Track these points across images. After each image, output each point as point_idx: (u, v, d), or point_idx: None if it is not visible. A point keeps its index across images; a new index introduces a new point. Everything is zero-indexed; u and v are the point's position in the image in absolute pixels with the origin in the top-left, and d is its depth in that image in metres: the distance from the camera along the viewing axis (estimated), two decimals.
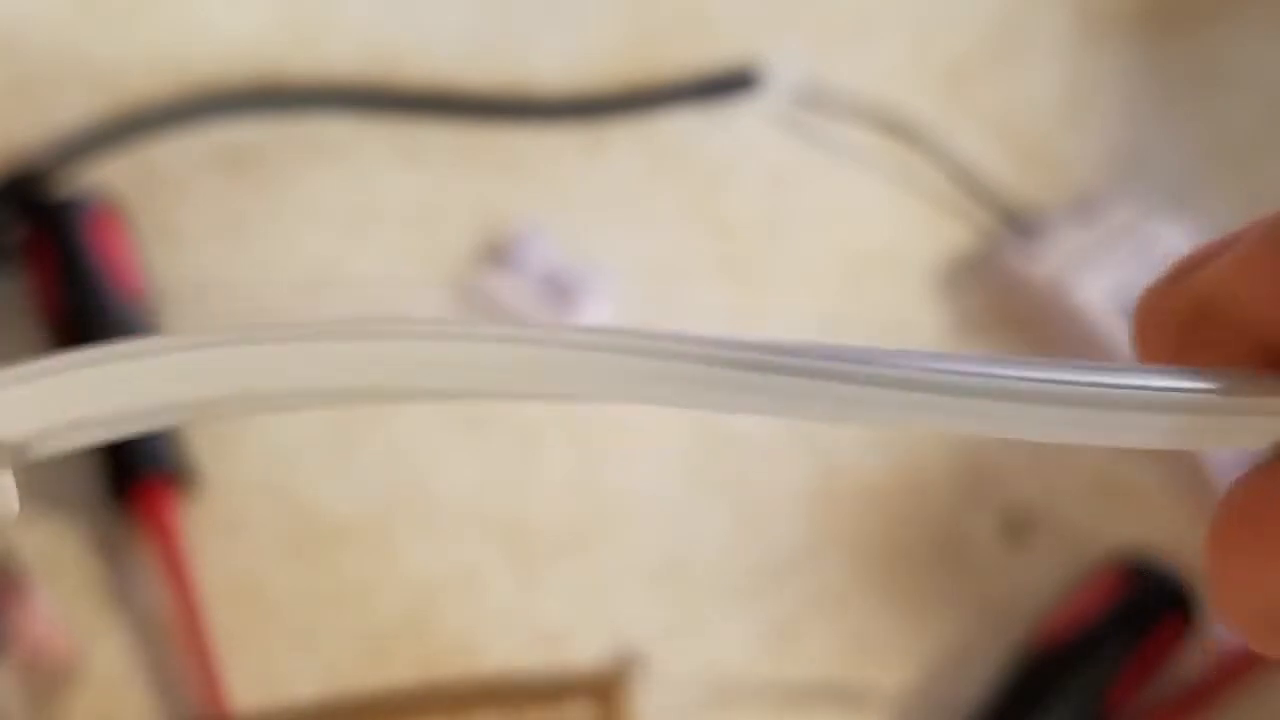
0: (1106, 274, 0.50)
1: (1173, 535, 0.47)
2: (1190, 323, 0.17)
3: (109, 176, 0.51)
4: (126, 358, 0.16)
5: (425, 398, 0.17)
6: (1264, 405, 0.16)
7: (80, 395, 0.16)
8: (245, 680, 0.45)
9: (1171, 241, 0.51)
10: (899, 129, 0.54)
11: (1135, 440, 0.16)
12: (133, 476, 0.46)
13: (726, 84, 0.54)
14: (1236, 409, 0.16)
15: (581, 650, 0.46)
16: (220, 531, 0.47)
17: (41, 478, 0.47)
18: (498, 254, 0.51)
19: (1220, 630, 0.46)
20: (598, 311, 0.50)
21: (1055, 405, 0.16)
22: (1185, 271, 0.17)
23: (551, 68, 0.55)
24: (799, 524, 0.48)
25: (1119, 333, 0.49)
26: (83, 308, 0.48)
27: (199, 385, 0.16)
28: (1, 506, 0.17)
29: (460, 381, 0.16)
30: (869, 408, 0.16)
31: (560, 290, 0.50)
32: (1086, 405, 0.16)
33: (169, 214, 0.52)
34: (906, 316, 0.52)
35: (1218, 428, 0.16)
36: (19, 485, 0.17)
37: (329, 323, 0.16)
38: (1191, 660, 0.46)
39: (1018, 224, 0.52)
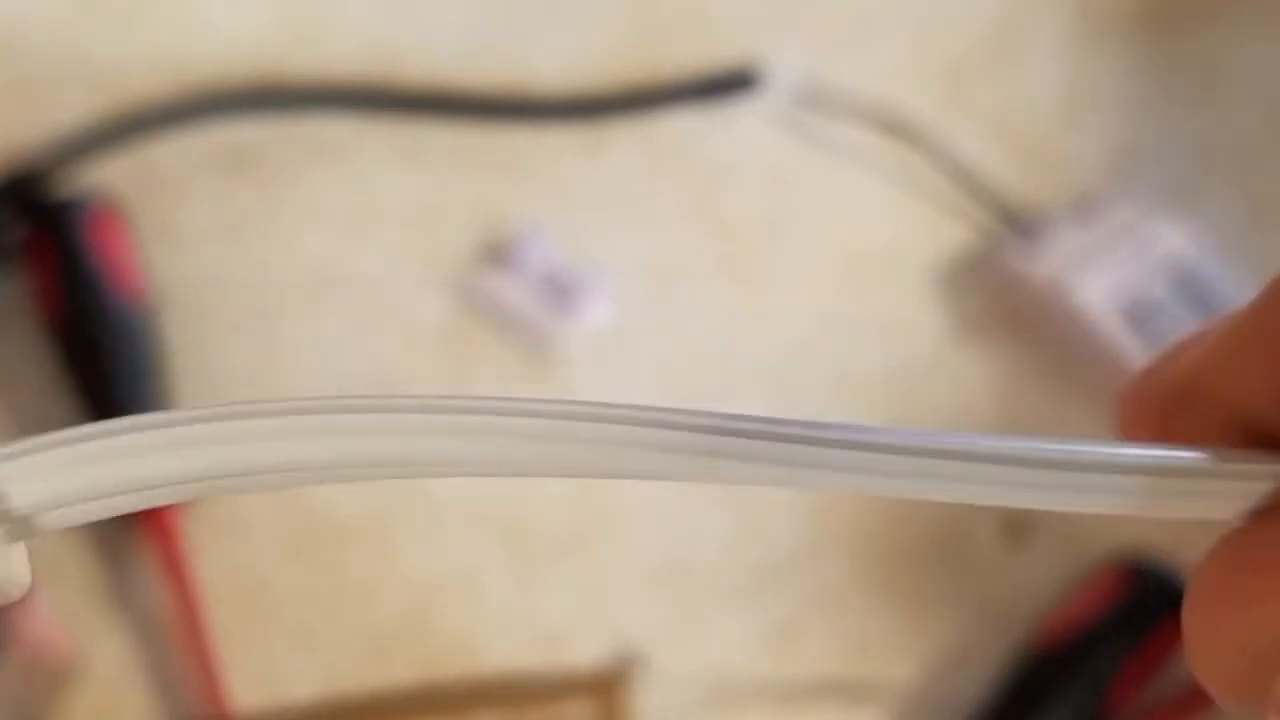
0: (1106, 274, 0.50)
1: (1173, 535, 0.47)
2: (1170, 407, 0.17)
3: (109, 176, 0.51)
4: (133, 430, 0.16)
5: (424, 474, 0.16)
6: (1230, 471, 0.16)
7: (89, 467, 0.16)
8: (245, 680, 0.45)
9: (1171, 241, 0.51)
10: (899, 129, 0.54)
11: (1103, 503, 0.17)
12: None
13: (726, 84, 0.54)
14: (1203, 474, 0.16)
15: (581, 650, 0.46)
16: (220, 531, 0.47)
17: None
18: (498, 254, 0.51)
19: None
20: (598, 311, 0.51)
21: (1035, 467, 0.16)
22: (1166, 360, 0.17)
23: (551, 68, 0.55)
24: (799, 524, 0.48)
25: (1119, 332, 0.49)
26: (83, 308, 0.48)
27: (211, 460, 0.16)
28: (11, 579, 0.17)
29: (467, 459, 0.16)
30: (861, 475, 0.17)
31: (560, 290, 0.50)
32: (1061, 467, 0.17)
33: (169, 214, 0.52)
34: (906, 316, 0.52)
35: (1184, 492, 0.16)
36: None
37: (338, 398, 0.16)
38: None
39: (1018, 224, 0.52)
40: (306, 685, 0.46)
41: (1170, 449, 0.17)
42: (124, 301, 0.49)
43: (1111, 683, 0.45)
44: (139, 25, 0.54)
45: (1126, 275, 0.50)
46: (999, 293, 0.52)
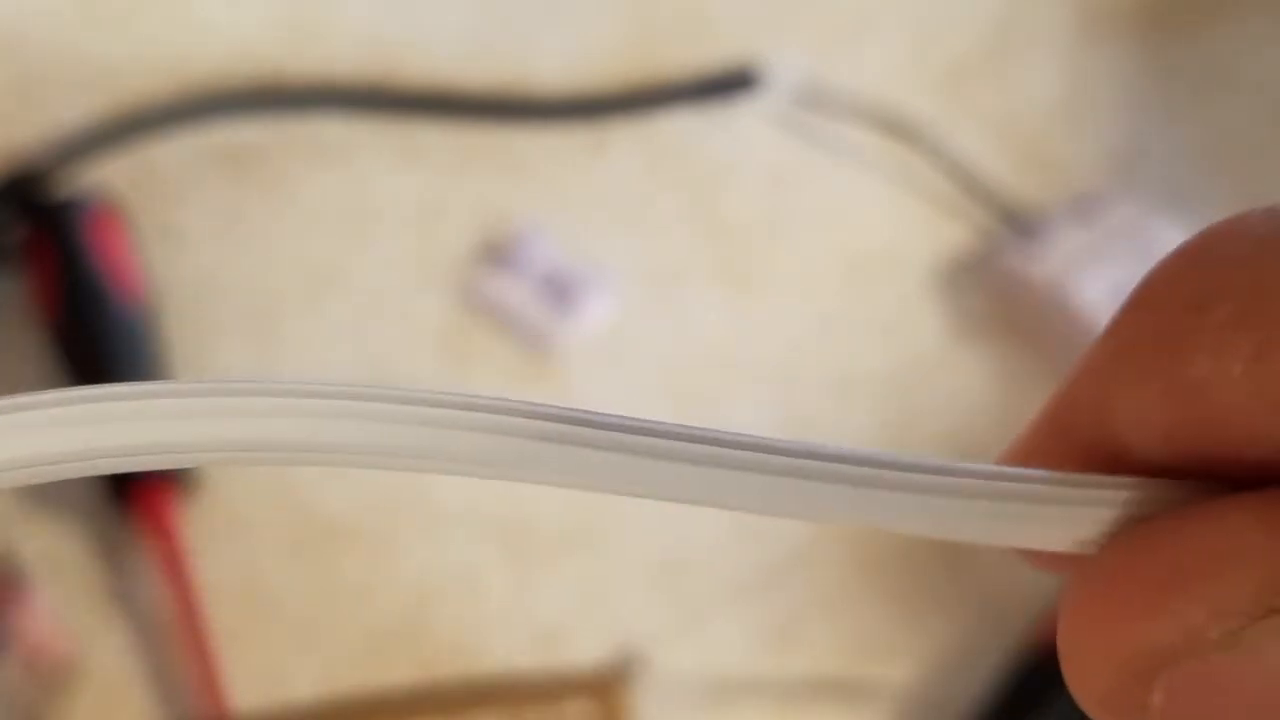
0: (1106, 274, 0.50)
1: None
2: (1050, 440, 0.17)
3: (109, 176, 0.51)
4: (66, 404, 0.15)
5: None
6: (1071, 496, 0.15)
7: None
8: (245, 680, 0.45)
9: (1171, 241, 0.51)
10: (899, 129, 0.54)
11: (940, 529, 0.15)
12: (133, 476, 0.46)
13: (726, 84, 0.54)
14: (1043, 497, 0.15)
15: (581, 650, 0.46)
16: (220, 531, 0.47)
17: None
18: (498, 254, 0.51)
19: None
20: (598, 311, 0.51)
21: (865, 487, 0.15)
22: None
23: (551, 68, 0.55)
24: (798, 523, 0.48)
25: None
26: (83, 308, 0.48)
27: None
28: None
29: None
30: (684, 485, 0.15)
31: (560, 290, 0.50)
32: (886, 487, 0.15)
33: (169, 214, 0.52)
34: (906, 316, 0.52)
35: (1032, 516, 0.15)
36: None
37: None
38: None
39: (1018, 224, 0.52)
40: (306, 685, 0.46)
41: (1007, 469, 0.15)
42: (124, 301, 0.49)
43: None
44: (139, 25, 0.54)
45: (1126, 275, 0.50)
46: (999, 293, 0.52)
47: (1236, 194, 0.54)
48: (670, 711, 0.46)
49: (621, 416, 0.15)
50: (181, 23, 0.55)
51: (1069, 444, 0.16)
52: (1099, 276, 0.50)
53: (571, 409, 0.15)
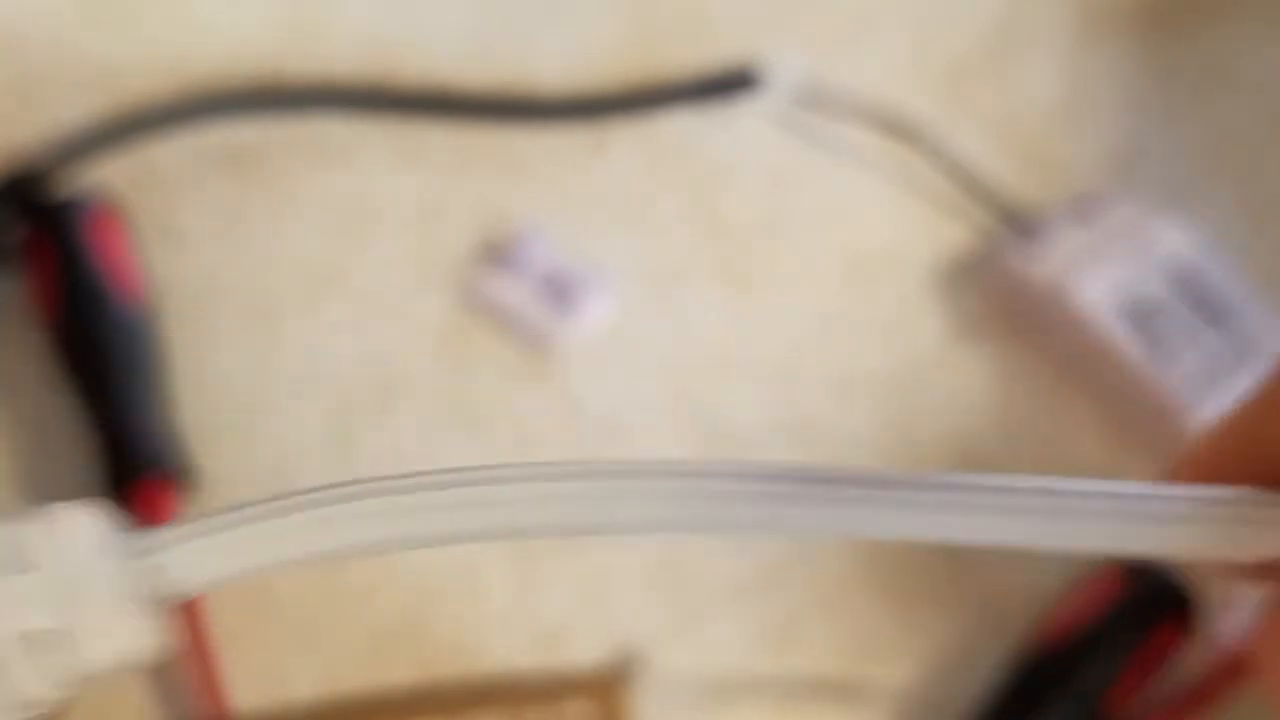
0: (1106, 274, 0.50)
1: None
2: (1218, 464, 0.17)
3: (109, 176, 0.51)
4: (286, 514, 0.17)
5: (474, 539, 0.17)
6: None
7: (240, 551, 0.17)
8: (245, 680, 0.45)
9: (1171, 241, 0.51)
10: (899, 129, 0.54)
11: (1145, 547, 0.16)
12: (132, 475, 0.46)
13: (726, 84, 0.54)
14: (1255, 516, 0.16)
15: (581, 650, 0.46)
16: None
17: (41, 477, 0.47)
18: (498, 254, 0.51)
19: (1219, 630, 0.46)
20: (598, 311, 0.51)
21: (1070, 519, 0.17)
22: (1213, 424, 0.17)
23: (551, 68, 0.55)
24: None
25: (1119, 332, 0.49)
26: (83, 308, 0.48)
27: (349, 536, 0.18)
28: (146, 645, 0.18)
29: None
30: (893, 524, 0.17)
31: (560, 290, 0.50)
32: (1123, 520, 0.17)
33: (169, 214, 0.52)
34: (906, 316, 0.52)
35: (1237, 535, 0.16)
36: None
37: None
38: (1191, 660, 0.46)
39: (1018, 224, 0.52)
40: (306, 685, 0.46)
41: (1219, 489, 0.16)
42: (124, 302, 0.49)
43: (1111, 683, 0.45)
44: (139, 25, 0.54)
45: (1126, 275, 0.50)
46: (999, 293, 0.52)
47: (1237, 194, 0.54)
48: (670, 711, 0.46)
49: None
50: (181, 23, 0.55)
51: (1254, 456, 0.17)
52: (1099, 276, 0.50)
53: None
